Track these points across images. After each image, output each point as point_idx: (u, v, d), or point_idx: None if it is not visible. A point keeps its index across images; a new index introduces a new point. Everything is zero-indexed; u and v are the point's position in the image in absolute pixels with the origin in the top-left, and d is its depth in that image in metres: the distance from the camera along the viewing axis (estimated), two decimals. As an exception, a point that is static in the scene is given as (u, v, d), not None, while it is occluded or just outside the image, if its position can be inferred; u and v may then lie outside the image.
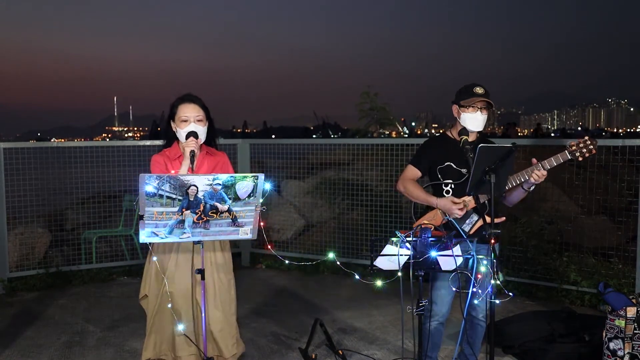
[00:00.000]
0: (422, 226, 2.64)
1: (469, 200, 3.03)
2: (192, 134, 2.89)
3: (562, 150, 2.89)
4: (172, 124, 2.99)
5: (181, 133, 2.93)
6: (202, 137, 2.96)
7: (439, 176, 3.13)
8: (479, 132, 3.18)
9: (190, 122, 2.91)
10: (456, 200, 3.01)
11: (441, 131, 3.58)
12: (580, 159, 2.87)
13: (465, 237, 2.98)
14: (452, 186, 3.09)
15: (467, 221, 3.05)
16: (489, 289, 2.72)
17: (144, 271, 3.12)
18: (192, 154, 2.82)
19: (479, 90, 3.04)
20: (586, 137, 2.90)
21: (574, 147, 2.86)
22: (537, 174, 2.89)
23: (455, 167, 3.09)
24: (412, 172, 3.19)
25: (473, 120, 3.06)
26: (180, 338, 3.01)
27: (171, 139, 3.03)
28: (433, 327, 3.16)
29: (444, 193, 3.11)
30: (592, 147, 2.84)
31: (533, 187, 3.01)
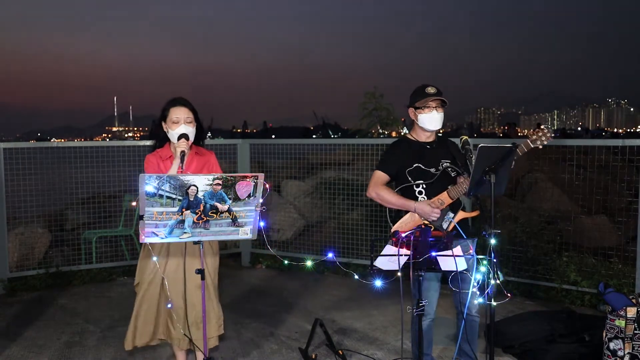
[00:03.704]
0: (422, 226, 2.66)
1: (444, 199, 3.08)
2: (184, 136, 3.07)
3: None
4: (163, 125, 3.17)
5: (172, 134, 3.11)
6: (192, 137, 3.15)
7: (409, 178, 3.16)
8: (437, 133, 3.26)
9: (181, 123, 3.10)
10: (432, 205, 3.06)
11: (400, 135, 3.69)
12: (540, 146, 3.03)
13: (465, 237, 3.00)
14: (424, 186, 3.13)
15: (445, 218, 3.09)
16: (489, 289, 2.73)
17: (139, 260, 3.28)
18: (183, 154, 3.00)
19: (430, 90, 3.13)
20: (542, 126, 3.10)
21: (534, 137, 3.01)
22: None
23: (424, 167, 3.15)
24: (382, 177, 3.22)
25: (430, 120, 3.13)
26: (170, 321, 3.19)
27: (162, 139, 3.23)
28: (426, 325, 3.21)
29: (417, 194, 3.16)
30: (549, 134, 2.99)
31: None
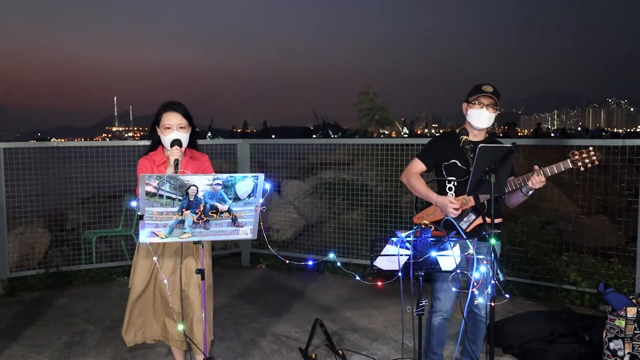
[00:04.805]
0: (422, 226, 2.65)
1: (469, 199, 3.05)
2: (177, 143, 3.04)
3: (564, 158, 2.91)
4: (157, 129, 3.15)
5: (165, 140, 3.09)
6: (185, 143, 3.12)
7: (444, 172, 3.17)
8: (487, 133, 3.22)
9: (173, 129, 3.07)
10: (453, 200, 3.05)
11: (442, 130, 3.63)
12: (581, 168, 2.89)
13: (465, 236, 2.99)
14: (455, 183, 3.12)
15: (465, 219, 3.09)
16: (490, 289, 2.72)
17: (132, 262, 3.25)
18: (176, 162, 2.98)
19: (487, 88, 3.09)
20: (590, 148, 2.90)
21: (576, 157, 2.88)
22: (536, 179, 2.91)
23: (459, 164, 3.13)
24: (418, 165, 3.23)
25: (478, 116, 3.09)
26: (170, 323, 3.17)
27: (156, 143, 3.20)
28: (438, 322, 3.20)
29: (447, 189, 3.15)
30: (594, 158, 2.86)
31: (532, 192, 3.03)
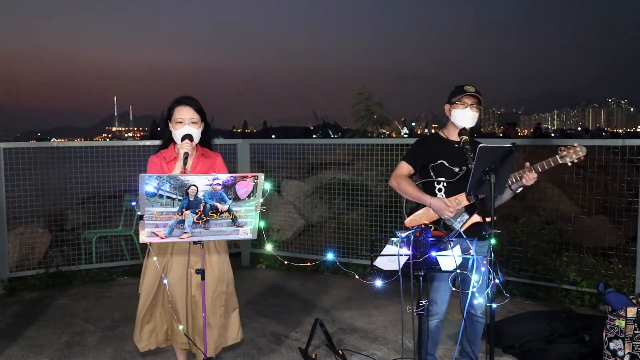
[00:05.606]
0: (422, 226, 2.65)
1: (461, 199, 3.06)
2: (188, 137, 2.98)
3: (554, 155, 2.99)
4: (169, 124, 3.08)
5: (176, 134, 3.02)
6: (197, 138, 3.06)
7: (432, 174, 3.17)
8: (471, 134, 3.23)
9: (185, 124, 3.00)
10: (448, 202, 3.06)
11: (432, 131, 3.66)
12: (569, 164, 2.99)
13: (464, 237, 2.99)
14: (445, 184, 3.13)
15: (459, 219, 3.09)
16: (489, 289, 2.72)
17: (142, 266, 3.21)
18: (186, 156, 2.92)
19: (469, 88, 3.12)
20: (575, 144, 3.01)
21: (564, 153, 2.97)
22: (529, 175, 2.96)
23: (448, 165, 3.14)
24: (406, 168, 3.23)
25: (462, 116, 3.12)
26: (176, 324, 3.13)
27: (168, 139, 3.13)
28: (434, 325, 3.20)
29: (436, 190, 3.15)
30: (581, 153, 2.95)
31: (521, 189, 3.09)
